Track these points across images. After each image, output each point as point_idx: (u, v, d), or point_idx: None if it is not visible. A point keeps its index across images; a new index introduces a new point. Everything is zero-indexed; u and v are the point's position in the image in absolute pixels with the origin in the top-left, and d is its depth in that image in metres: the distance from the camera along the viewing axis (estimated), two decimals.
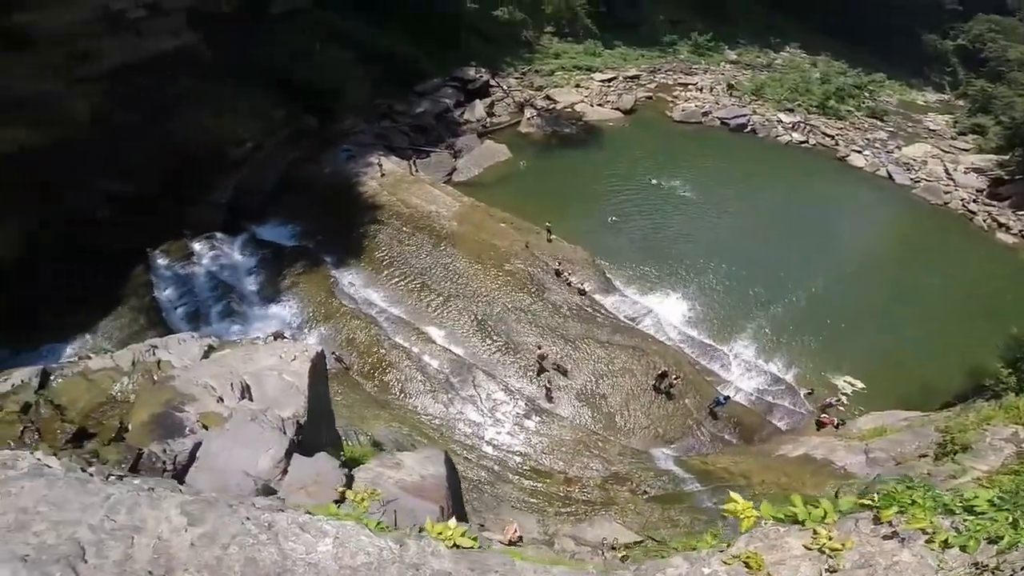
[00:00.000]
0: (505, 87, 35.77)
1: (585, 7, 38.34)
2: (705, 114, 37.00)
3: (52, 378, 7.21)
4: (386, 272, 20.84)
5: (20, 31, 17.57)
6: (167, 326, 17.10)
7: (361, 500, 3.68)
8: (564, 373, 17.25)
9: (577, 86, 38.25)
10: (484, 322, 18.81)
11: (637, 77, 41.54)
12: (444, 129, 30.55)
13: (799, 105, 38.72)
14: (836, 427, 15.84)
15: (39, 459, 3.22)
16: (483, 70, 35.40)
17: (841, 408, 17.19)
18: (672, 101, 38.85)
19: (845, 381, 18.74)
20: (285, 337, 17.15)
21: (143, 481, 3.42)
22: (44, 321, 15.87)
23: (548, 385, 16.86)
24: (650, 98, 39.10)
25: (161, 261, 18.84)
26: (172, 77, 21.49)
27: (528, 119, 33.53)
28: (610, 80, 40.07)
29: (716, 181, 29.81)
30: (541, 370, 17.25)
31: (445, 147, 29.03)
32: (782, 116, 37.56)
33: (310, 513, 2.80)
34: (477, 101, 33.27)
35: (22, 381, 6.97)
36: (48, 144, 17.79)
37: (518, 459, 15.10)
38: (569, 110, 35.52)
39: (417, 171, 25.58)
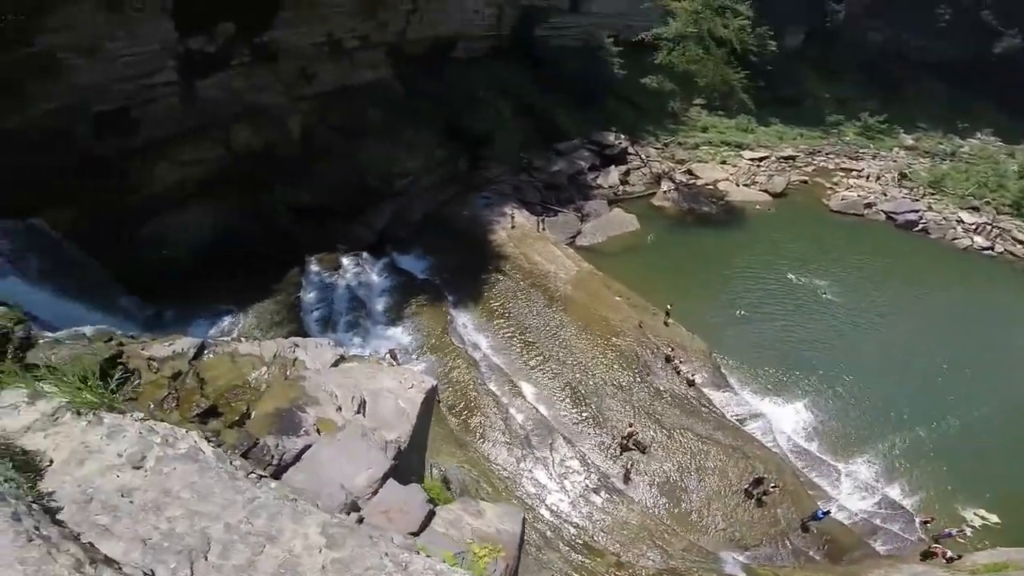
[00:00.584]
0: (644, 156, 38.14)
1: (743, 81, 39.04)
2: (868, 206, 36.04)
3: (206, 352, 8.29)
4: (497, 321, 23.91)
5: (272, 47, 24.22)
6: (301, 324, 21.11)
7: (481, 556, 4.04)
8: (647, 456, 17.98)
9: (723, 163, 39.39)
10: (577, 389, 20.26)
11: (793, 158, 41.62)
12: (575, 191, 33.56)
13: (987, 203, 36.12)
14: (947, 560, 14.96)
15: (195, 442, 3.47)
16: (623, 137, 38.18)
17: (960, 540, 16.11)
18: (831, 188, 38.35)
19: (976, 514, 17.47)
20: (398, 356, 20.92)
21: (291, 490, 3.67)
22: (205, 295, 20.42)
23: (628, 466, 17.59)
24: (805, 182, 38.90)
25: (314, 268, 23.45)
26: (366, 106, 27.63)
27: (664, 192, 35.36)
28: (761, 159, 40.72)
29: (870, 283, 28.77)
30: (625, 448, 18.11)
31: (574, 209, 31.82)
32: (963, 215, 35.21)
33: (444, 563, 3.09)
34: (613, 167, 35.97)
35: (182, 350, 8.06)
36: (260, 148, 24.13)
37: (573, 530, 15.90)
38: (710, 187, 36.65)
39: (544, 229, 28.54)
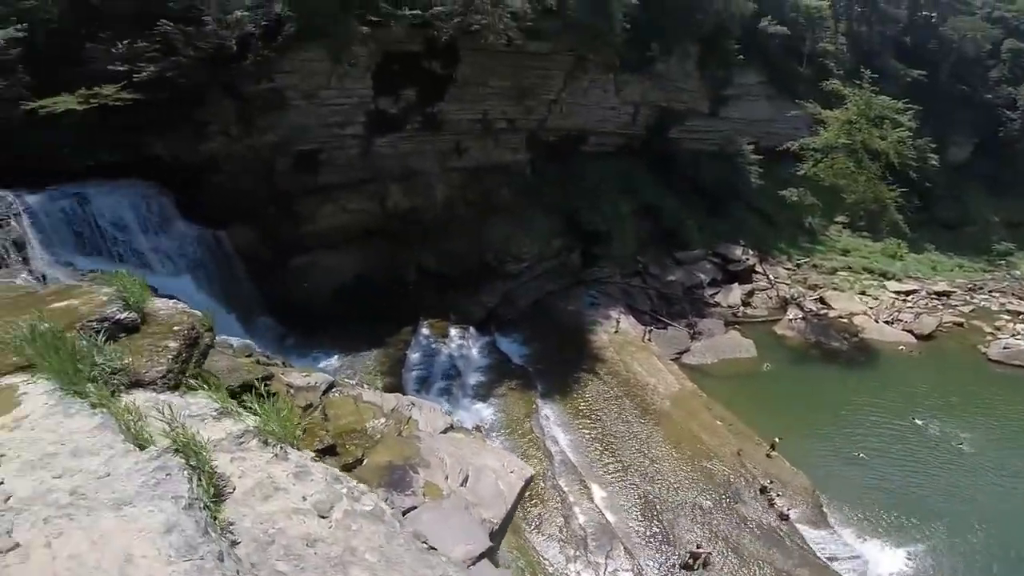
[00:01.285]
0: (772, 277, 39.97)
1: (897, 199, 37.31)
2: None
3: (334, 390, 9.74)
4: (582, 420, 26.60)
5: (439, 118, 31.26)
6: (400, 379, 25.64)
7: None
8: None
9: (862, 293, 39.78)
10: (652, 503, 22.17)
11: (947, 295, 40.87)
12: (690, 305, 35.93)
13: None
14: None
15: (377, 502, 3.92)
16: (752, 252, 40.67)
17: None
18: (992, 333, 37.15)
19: None
20: (482, 432, 24.42)
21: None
22: (328, 330, 26.08)
23: None
24: (960, 325, 37.75)
25: (425, 331, 28.55)
26: (499, 186, 33.84)
27: (790, 320, 36.14)
28: (908, 294, 40.43)
29: (1018, 441, 28.46)
30: (688, 568, 19.63)
31: (686, 324, 33.93)
32: None
33: None
34: (736, 285, 38.12)
35: (315, 384, 9.62)
36: (406, 209, 30.84)
37: None
38: (844, 320, 36.94)
39: (650, 340, 31.41)
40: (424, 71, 29.61)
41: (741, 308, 37.29)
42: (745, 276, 39.89)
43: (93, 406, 4.04)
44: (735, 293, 38.05)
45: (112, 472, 3.29)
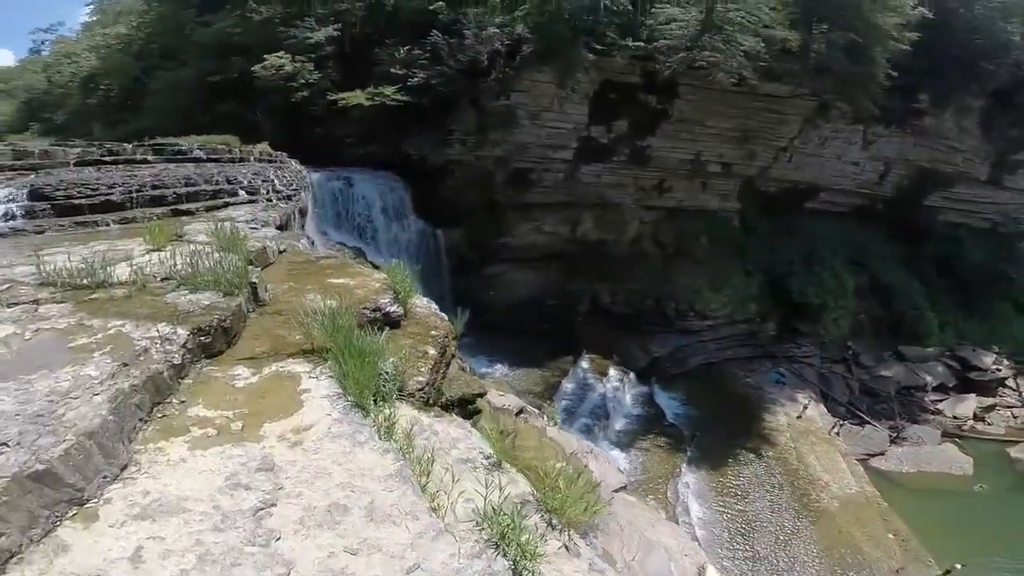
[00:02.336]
0: None
1: None
2: None
3: (522, 415, 12.14)
4: (724, 497, 29.36)
5: (647, 152, 37.25)
6: (549, 404, 31.43)
7: None
8: None
9: None
10: None
11: None
12: (900, 406, 36.66)
13: None
14: None
15: None
16: (1006, 362, 40.03)
17: None
18: None
19: None
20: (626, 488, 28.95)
21: None
22: (495, 340, 32.63)
23: None
24: None
25: (584, 364, 34.07)
26: (698, 232, 38.89)
27: None
28: None
29: None
30: None
31: (889, 426, 35.08)
32: None
33: None
34: (972, 396, 37.91)
35: (509, 406, 11.94)
36: (595, 240, 37.79)
37: None
38: None
39: (838, 433, 33.60)
40: (639, 104, 35.75)
41: (970, 421, 37.13)
42: (987, 388, 39.31)
43: (381, 435, 4.25)
44: (968, 404, 37.90)
45: (421, 564, 3.21)
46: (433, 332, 6.88)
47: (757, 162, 39.75)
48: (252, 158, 21.28)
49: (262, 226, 12.43)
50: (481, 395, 7.54)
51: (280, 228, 14.38)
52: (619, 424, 32.92)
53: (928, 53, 37.54)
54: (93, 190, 12.38)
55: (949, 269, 42.37)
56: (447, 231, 34.62)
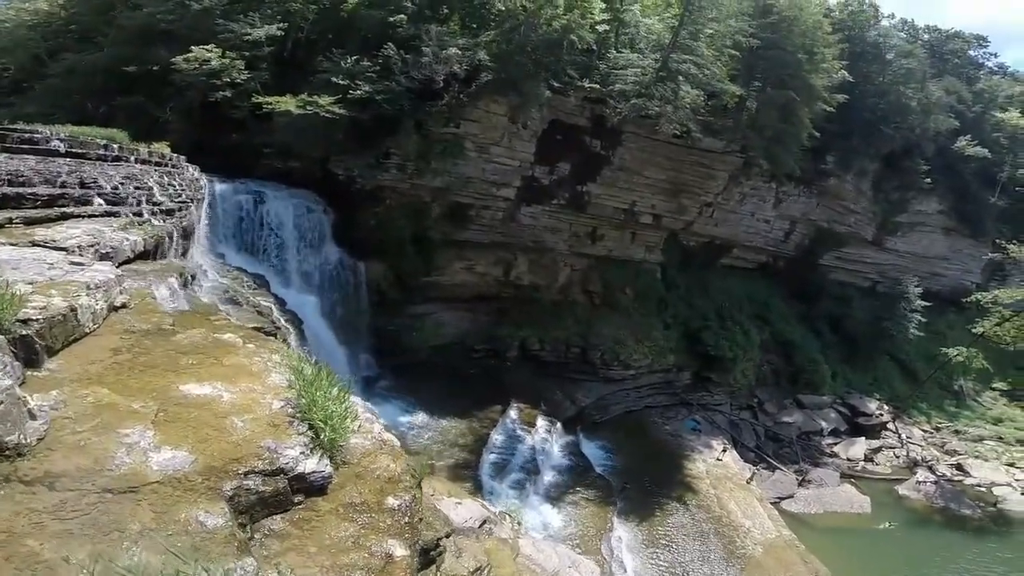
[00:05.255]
0: (904, 436, 42.49)
1: None
2: None
3: (486, 526, 11.46)
4: (657, 550, 28.84)
5: (585, 198, 35.98)
6: (478, 458, 28.85)
7: None
8: None
9: (1010, 465, 41.35)
10: None
11: None
12: (801, 450, 38.78)
13: None
14: None
15: None
16: (887, 408, 43.34)
17: None
18: None
19: None
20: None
21: None
22: (417, 384, 30.35)
23: None
24: None
25: (513, 415, 32.16)
26: (622, 283, 38.71)
27: (917, 482, 38.24)
28: None
29: None
30: None
31: (795, 470, 36.71)
32: None
33: None
34: (861, 439, 40.83)
35: (470, 520, 11.15)
36: (527, 284, 36.89)
37: None
38: (982, 489, 38.80)
39: (752, 480, 34.46)
40: (584, 147, 34.53)
41: (862, 463, 39.62)
42: (873, 431, 42.32)
43: None
44: (858, 447, 40.55)
45: None
46: (393, 500, 4.47)
47: (684, 216, 39.95)
48: (133, 158, 17.07)
49: (100, 260, 8.66)
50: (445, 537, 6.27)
51: (144, 256, 11.31)
52: (549, 477, 31.56)
53: (840, 116, 39.35)
54: None
55: (839, 325, 45.12)
56: (370, 264, 31.22)
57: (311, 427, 4.56)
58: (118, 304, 6.85)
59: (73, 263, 7.19)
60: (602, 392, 36.01)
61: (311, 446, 4.38)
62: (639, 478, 32.94)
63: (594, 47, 32.19)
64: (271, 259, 27.41)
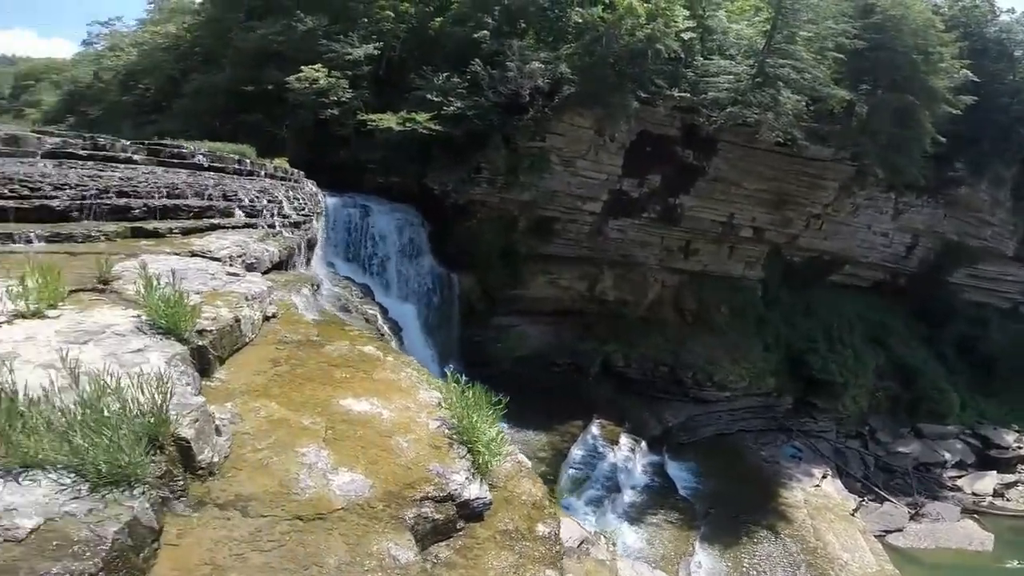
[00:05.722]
0: None
1: None
2: None
3: (584, 545, 10.89)
4: None
5: (677, 211, 34.96)
6: (556, 472, 28.48)
7: None
8: None
9: None
10: None
11: None
12: (918, 482, 35.74)
13: None
14: None
15: None
16: None
17: None
18: None
19: None
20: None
21: None
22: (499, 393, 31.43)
23: None
24: None
25: (595, 430, 31.71)
26: (719, 300, 36.95)
27: None
28: None
29: None
30: None
31: (907, 503, 34.02)
32: None
33: None
34: (992, 473, 37.13)
35: (571, 539, 10.77)
36: (613, 299, 35.89)
37: None
38: None
39: (857, 511, 31.93)
40: (676, 158, 33.36)
41: (989, 498, 36.18)
42: (1008, 465, 38.40)
43: None
44: (987, 481, 36.94)
45: None
46: (542, 529, 4.48)
47: (789, 229, 37.64)
48: (263, 172, 18.32)
49: (246, 270, 9.16)
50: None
51: (278, 266, 11.94)
52: (629, 496, 30.86)
53: (967, 118, 35.81)
54: (32, 189, 9.18)
55: (971, 349, 40.94)
56: (463, 276, 31.93)
57: (469, 450, 4.66)
58: (269, 314, 7.45)
59: (230, 273, 7.98)
60: (691, 413, 34.68)
61: (471, 471, 4.47)
62: (727, 503, 31.52)
63: (681, 55, 30.97)
64: (374, 269, 28.78)
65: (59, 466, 3.08)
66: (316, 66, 30.04)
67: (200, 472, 3.73)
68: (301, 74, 29.81)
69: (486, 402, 5.17)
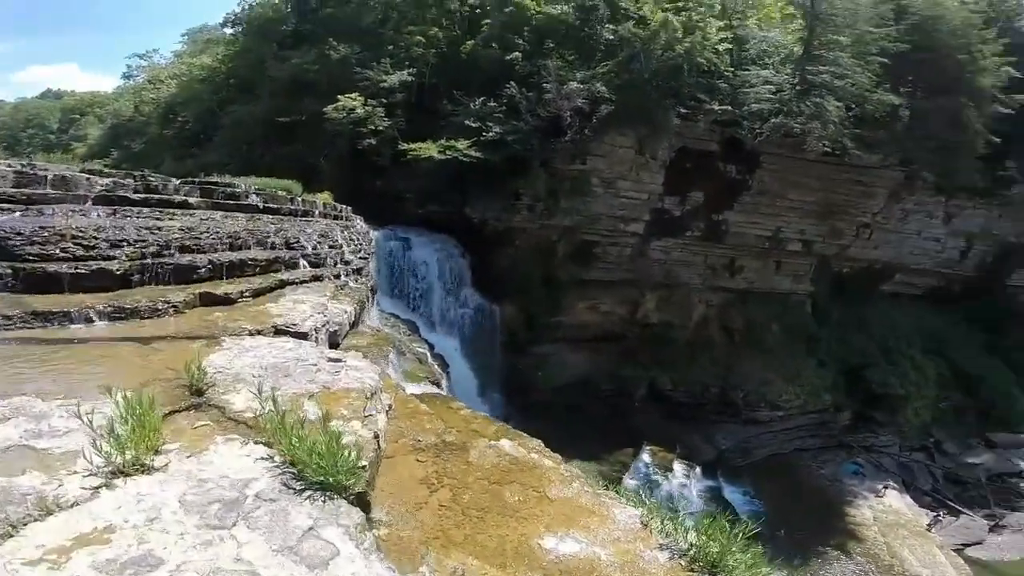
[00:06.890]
0: None
1: None
2: None
3: None
4: None
5: (722, 227, 33.99)
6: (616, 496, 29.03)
7: None
8: None
9: None
10: None
11: None
12: (995, 493, 34.02)
13: None
14: None
15: None
16: None
17: None
18: None
19: None
20: None
21: None
22: (544, 431, 30.50)
23: None
24: None
25: (646, 458, 30.72)
26: (768, 318, 35.68)
27: None
28: None
29: None
30: None
31: (985, 515, 32.44)
32: None
33: None
34: None
35: None
36: (656, 322, 34.81)
37: None
38: None
39: (933, 527, 30.63)
40: (718, 173, 32.36)
41: None
42: None
43: None
44: None
45: None
46: None
47: (838, 240, 36.37)
48: (316, 212, 16.85)
49: (327, 340, 7.76)
50: None
51: (352, 324, 10.61)
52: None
53: (1015, 116, 34.18)
54: (87, 248, 7.87)
55: None
56: (504, 306, 31.19)
57: None
58: (389, 403, 5.99)
59: (331, 360, 6.40)
60: (743, 435, 33.52)
61: None
62: (791, 525, 29.68)
63: (719, 67, 30.20)
64: (417, 303, 28.26)
65: None
66: (353, 95, 29.67)
67: None
68: (339, 103, 29.45)
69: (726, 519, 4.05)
